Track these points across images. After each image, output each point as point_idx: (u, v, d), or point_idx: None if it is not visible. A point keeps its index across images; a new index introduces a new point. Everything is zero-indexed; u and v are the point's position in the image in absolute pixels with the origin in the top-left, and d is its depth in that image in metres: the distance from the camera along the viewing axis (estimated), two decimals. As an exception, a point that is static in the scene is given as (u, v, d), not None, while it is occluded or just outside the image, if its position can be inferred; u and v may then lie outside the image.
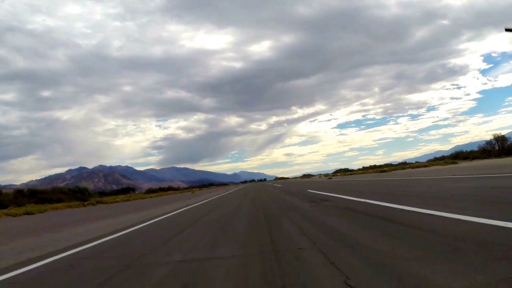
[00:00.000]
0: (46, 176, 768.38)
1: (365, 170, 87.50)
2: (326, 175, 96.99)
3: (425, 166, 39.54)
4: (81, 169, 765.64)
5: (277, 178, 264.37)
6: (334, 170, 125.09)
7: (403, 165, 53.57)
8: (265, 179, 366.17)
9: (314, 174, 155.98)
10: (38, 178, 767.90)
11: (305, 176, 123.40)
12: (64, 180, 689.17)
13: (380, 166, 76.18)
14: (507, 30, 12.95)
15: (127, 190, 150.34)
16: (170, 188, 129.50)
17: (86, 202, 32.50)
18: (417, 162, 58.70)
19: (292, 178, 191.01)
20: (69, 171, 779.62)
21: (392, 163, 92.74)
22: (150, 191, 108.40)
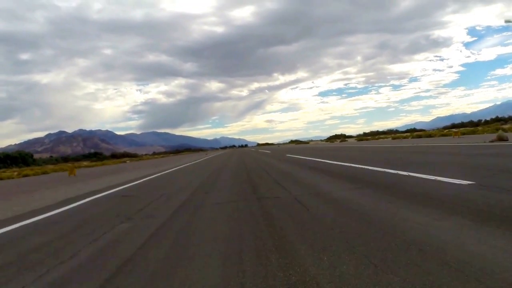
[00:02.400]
0: (25, 140, 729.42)
1: (363, 137, 73.64)
2: (324, 141, 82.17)
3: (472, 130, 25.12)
4: (60, 133, 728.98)
5: (259, 144, 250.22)
6: (328, 137, 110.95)
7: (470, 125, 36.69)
8: (246, 145, 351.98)
9: (303, 140, 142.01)
10: (17, 142, 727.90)
11: (298, 142, 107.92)
12: (42, 144, 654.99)
13: (406, 132, 62.32)
14: (506, 22, 12.48)
15: (94, 155, 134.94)
16: (124, 155, 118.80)
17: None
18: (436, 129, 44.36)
19: (277, 144, 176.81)
20: (48, 135, 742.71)
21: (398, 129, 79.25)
22: (114, 156, 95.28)
